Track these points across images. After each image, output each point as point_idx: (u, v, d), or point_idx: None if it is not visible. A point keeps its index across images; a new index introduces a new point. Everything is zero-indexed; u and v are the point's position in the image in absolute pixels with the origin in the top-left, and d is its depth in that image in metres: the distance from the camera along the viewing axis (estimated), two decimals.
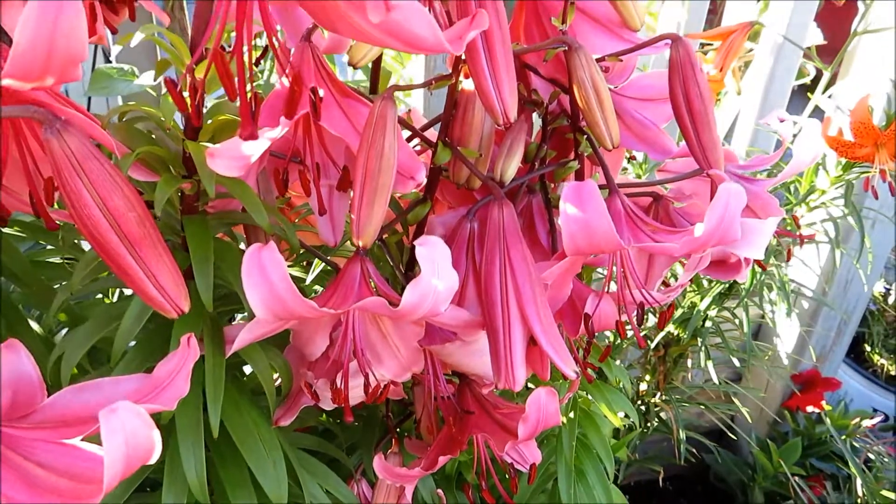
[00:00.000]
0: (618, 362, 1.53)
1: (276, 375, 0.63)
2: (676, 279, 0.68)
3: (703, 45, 1.31)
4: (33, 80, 0.40)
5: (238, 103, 0.37)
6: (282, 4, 0.46)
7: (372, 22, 0.30)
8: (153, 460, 0.35)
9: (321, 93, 0.53)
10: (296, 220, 0.82)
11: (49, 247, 0.76)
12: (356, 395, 0.56)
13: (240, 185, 0.50)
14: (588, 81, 0.56)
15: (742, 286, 1.25)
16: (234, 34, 0.40)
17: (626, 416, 0.91)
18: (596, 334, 0.61)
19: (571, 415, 0.81)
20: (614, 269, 0.57)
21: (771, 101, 1.46)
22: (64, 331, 0.72)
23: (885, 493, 1.46)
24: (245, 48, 0.31)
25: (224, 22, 0.34)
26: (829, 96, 1.15)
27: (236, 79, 0.34)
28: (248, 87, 0.34)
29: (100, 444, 0.37)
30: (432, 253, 0.47)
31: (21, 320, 0.68)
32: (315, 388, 0.56)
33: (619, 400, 0.81)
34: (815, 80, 1.33)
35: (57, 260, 0.76)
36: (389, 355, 0.58)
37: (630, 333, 0.62)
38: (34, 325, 0.69)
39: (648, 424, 1.63)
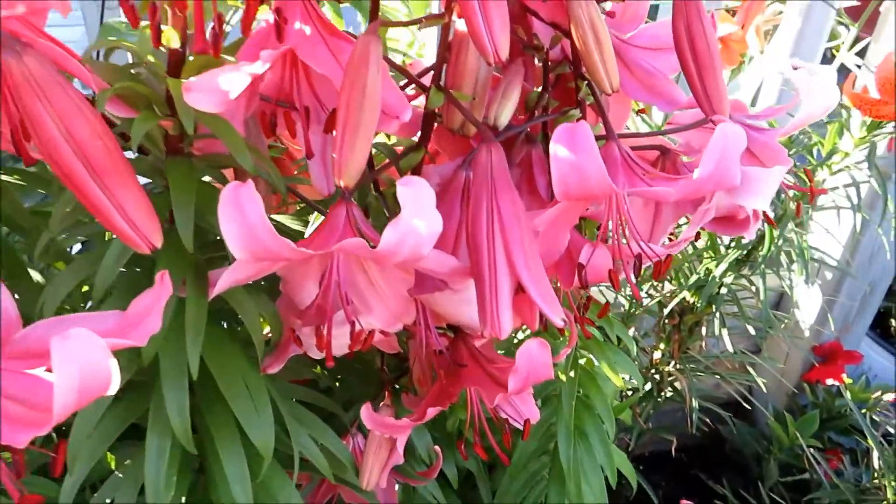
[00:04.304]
0: (631, 331, 1.51)
1: (267, 329, 0.63)
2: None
3: (727, 9, 1.26)
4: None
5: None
6: None
7: None
8: (111, 391, 0.34)
9: (307, 30, 0.51)
10: (295, 171, 0.81)
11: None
12: (342, 343, 0.55)
13: (221, 122, 0.49)
14: (586, 21, 0.53)
15: (759, 252, 1.21)
16: None
17: (632, 378, 0.89)
18: (610, 301, 0.59)
19: (572, 374, 0.80)
20: (610, 220, 0.55)
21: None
22: None
23: None
24: None
25: None
26: (860, 60, 1.10)
27: None
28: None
29: None
30: (414, 192, 0.45)
31: (21, 268, 0.69)
32: (299, 334, 0.55)
33: (621, 360, 0.79)
34: (852, 46, 1.28)
35: None
36: (378, 303, 0.57)
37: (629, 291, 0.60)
38: (37, 276, 0.70)
39: (662, 394, 1.61)
